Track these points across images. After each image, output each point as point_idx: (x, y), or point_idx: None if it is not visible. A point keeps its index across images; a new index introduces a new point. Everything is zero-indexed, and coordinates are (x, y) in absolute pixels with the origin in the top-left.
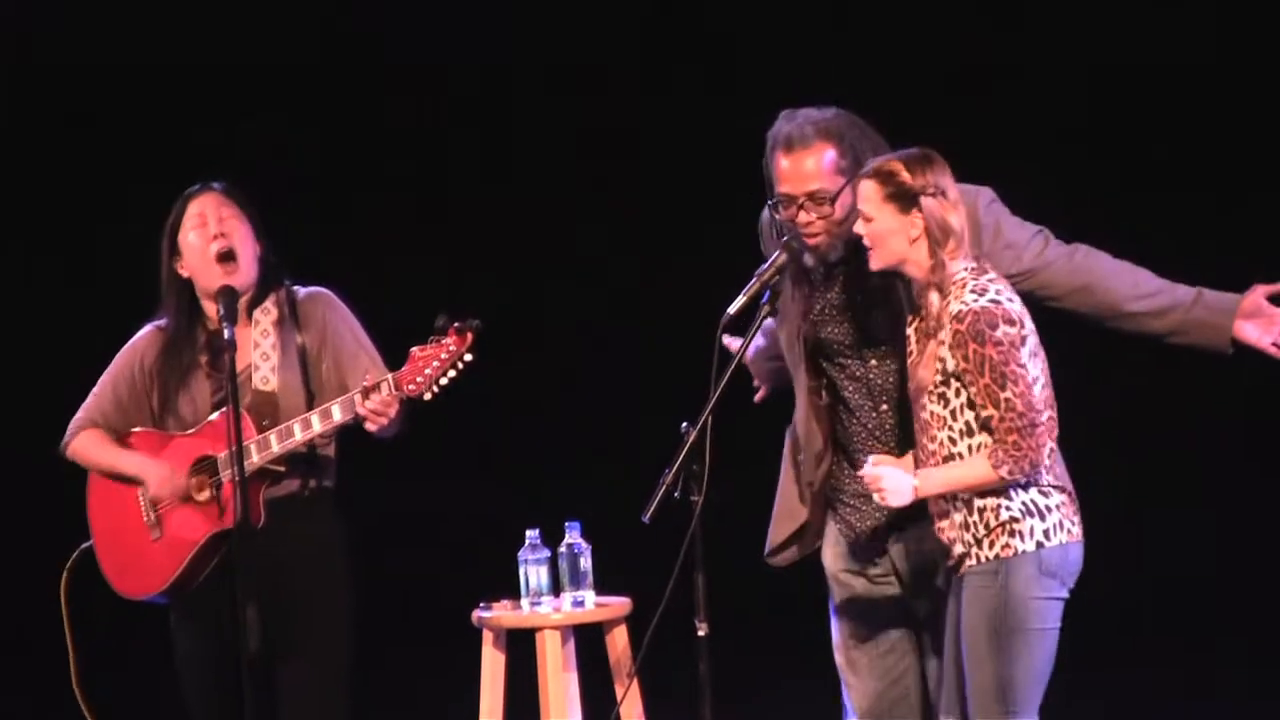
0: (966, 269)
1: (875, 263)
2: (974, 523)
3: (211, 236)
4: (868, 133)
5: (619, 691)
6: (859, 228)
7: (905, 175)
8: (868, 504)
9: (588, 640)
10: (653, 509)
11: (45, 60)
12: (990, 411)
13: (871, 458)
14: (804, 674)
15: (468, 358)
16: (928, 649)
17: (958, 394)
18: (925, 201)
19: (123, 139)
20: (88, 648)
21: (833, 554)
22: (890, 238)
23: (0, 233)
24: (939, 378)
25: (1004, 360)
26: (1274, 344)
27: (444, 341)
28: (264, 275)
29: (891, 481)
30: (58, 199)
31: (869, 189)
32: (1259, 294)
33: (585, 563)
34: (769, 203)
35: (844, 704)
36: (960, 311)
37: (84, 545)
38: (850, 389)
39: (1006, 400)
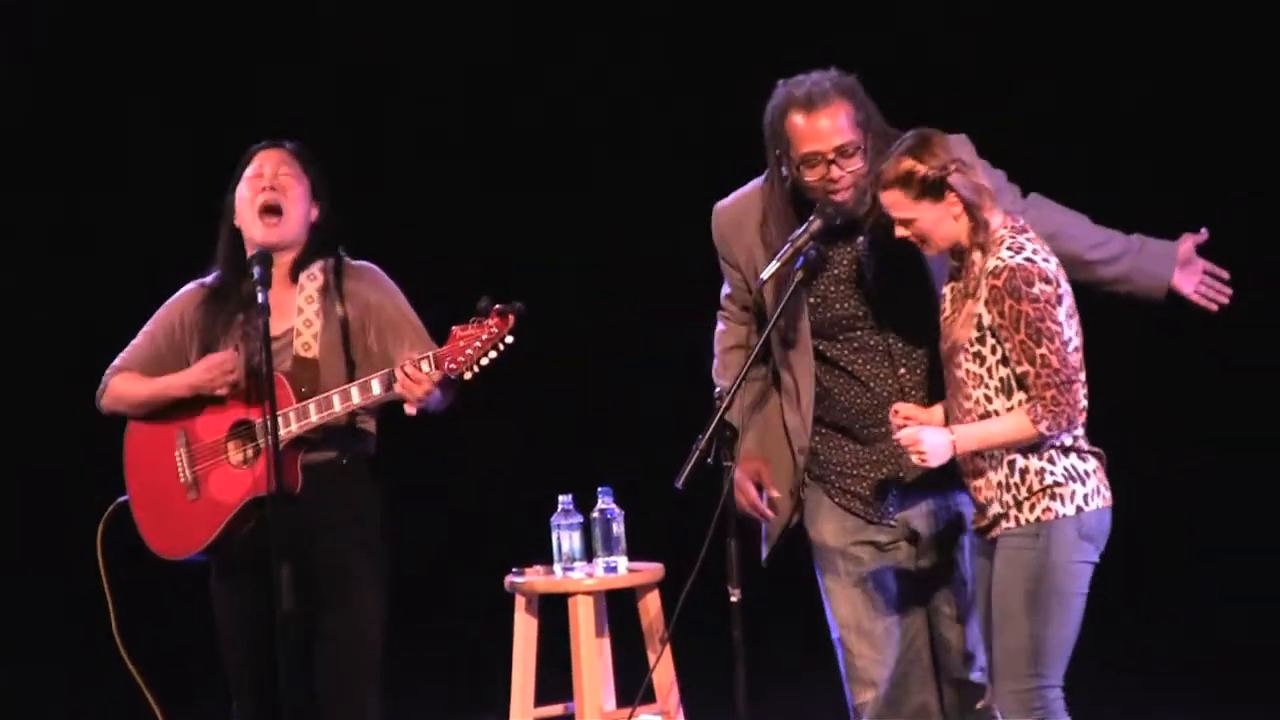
0: (1007, 227)
1: (932, 251)
2: (1015, 483)
3: (261, 189)
4: (863, 90)
5: (651, 657)
6: (900, 232)
7: (922, 168)
8: (873, 470)
9: (620, 606)
10: (686, 475)
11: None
12: (1025, 368)
13: (898, 406)
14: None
15: (509, 340)
16: (937, 609)
17: (993, 351)
18: (953, 180)
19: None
20: (127, 600)
21: (834, 530)
22: (937, 228)
23: (46, 180)
24: (975, 334)
25: (1040, 316)
26: (1196, 292)
27: (486, 323)
28: (314, 240)
29: (930, 441)
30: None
31: (896, 198)
32: (1189, 244)
33: (618, 528)
34: (793, 166)
35: (847, 678)
36: (996, 268)
37: (120, 499)
38: (861, 361)
39: (1042, 356)
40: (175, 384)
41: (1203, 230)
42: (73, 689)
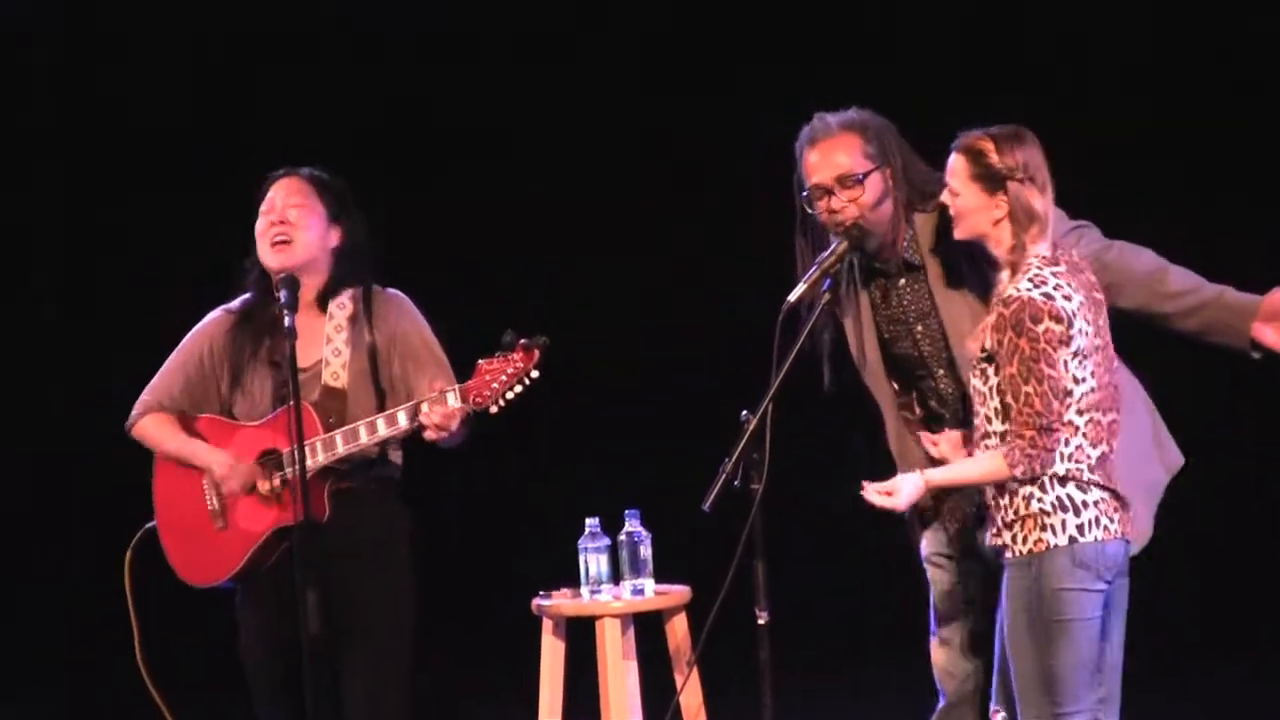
0: (1039, 257)
1: (959, 233)
2: (1004, 504)
3: (271, 222)
4: (891, 128)
5: (679, 680)
6: (944, 198)
7: (994, 157)
8: (955, 494)
9: (647, 628)
10: (713, 497)
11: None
12: (1010, 401)
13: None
14: (864, 662)
15: (534, 374)
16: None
17: (997, 372)
18: (1012, 187)
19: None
20: (152, 626)
21: (927, 538)
22: (973, 215)
23: (71, 210)
24: (982, 353)
25: (1034, 356)
26: None
27: (511, 356)
28: (340, 266)
29: (900, 494)
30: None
31: (957, 164)
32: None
33: (645, 551)
34: (803, 200)
35: (937, 689)
36: (1010, 297)
37: (148, 525)
38: (933, 400)
39: (1026, 395)
40: (197, 455)
41: None
42: (96, 714)
